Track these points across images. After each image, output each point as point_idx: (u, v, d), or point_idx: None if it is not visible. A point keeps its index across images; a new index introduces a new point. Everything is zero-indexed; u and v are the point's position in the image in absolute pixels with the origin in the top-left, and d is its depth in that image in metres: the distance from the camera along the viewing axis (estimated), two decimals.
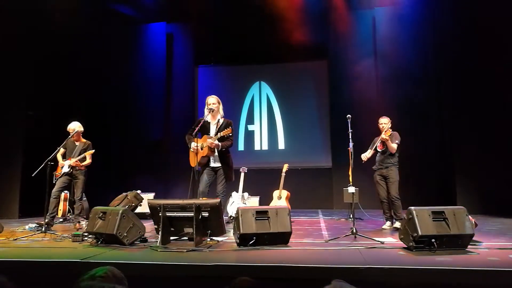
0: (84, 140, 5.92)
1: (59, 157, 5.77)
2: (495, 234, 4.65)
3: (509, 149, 6.77)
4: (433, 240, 3.49)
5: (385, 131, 5.34)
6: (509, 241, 4.17)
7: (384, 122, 5.46)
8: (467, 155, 7.24)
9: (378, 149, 5.44)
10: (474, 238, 3.67)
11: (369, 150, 5.48)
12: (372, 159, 5.54)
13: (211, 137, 5.03)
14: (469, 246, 3.61)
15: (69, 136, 5.68)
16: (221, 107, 5.25)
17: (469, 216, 3.65)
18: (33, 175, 4.96)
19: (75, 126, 5.77)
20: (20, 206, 7.26)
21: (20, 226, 5.76)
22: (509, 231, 4.96)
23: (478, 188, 7.03)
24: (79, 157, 5.66)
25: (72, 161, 5.62)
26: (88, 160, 5.78)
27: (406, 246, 3.68)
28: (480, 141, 7.10)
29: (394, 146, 5.27)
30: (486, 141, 7.04)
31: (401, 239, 3.81)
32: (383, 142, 5.34)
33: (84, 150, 5.78)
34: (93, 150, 5.79)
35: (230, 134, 4.98)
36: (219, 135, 4.96)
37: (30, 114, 7.55)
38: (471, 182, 7.14)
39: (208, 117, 5.19)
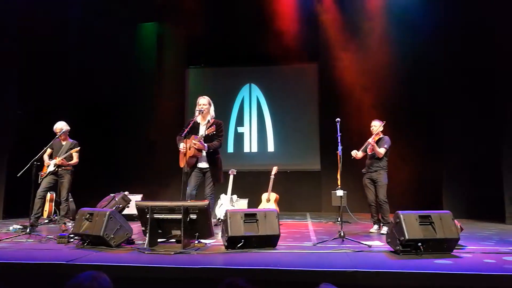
0: (70, 140, 5.84)
1: (45, 157, 5.69)
2: (480, 238, 4.72)
3: (496, 154, 6.88)
4: (419, 244, 3.53)
5: (374, 136, 5.39)
6: (495, 245, 4.24)
7: (375, 125, 5.51)
8: (454, 160, 7.34)
9: (368, 152, 5.49)
10: (459, 242, 3.72)
11: (360, 151, 5.52)
12: (361, 161, 5.58)
13: (196, 138, 5.01)
14: (454, 250, 3.65)
15: (56, 136, 5.60)
16: (212, 108, 5.23)
17: (455, 221, 3.70)
18: (18, 175, 4.88)
19: (62, 126, 5.69)
20: (4, 207, 7.12)
21: (4, 227, 5.66)
22: (495, 235, 5.05)
23: (465, 193, 7.14)
24: (65, 155, 5.58)
25: (58, 160, 5.54)
26: (75, 160, 5.71)
27: (393, 250, 3.71)
28: (467, 146, 7.20)
29: (381, 150, 5.32)
30: (473, 146, 7.15)
31: (388, 242, 3.84)
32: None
33: (71, 149, 5.70)
34: (79, 148, 5.71)
35: (215, 132, 4.96)
36: (205, 133, 4.96)
37: (18, 113, 7.42)
38: (458, 187, 7.24)
39: (198, 118, 5.16)
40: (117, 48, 9.35)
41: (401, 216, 3.62)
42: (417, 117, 8.23)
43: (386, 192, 5.31)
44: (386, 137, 5.46)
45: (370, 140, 5.36)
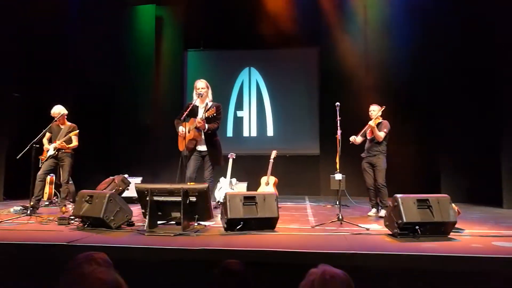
0: (69, 123, 5.82)
1: (45, 141, 5.67)
2: (477, 222, 4.76)
3: (492, 140, 6.89)
4: (417, 227, 3.56)
5: (374, 119, 5.38)
6: (491, 228, 4.29)
7: (374, 109, 5.50)
8: (452, 145, 7.36)
9: (368, 137, 5.49)
10: (456, 226, 3.76)
11: (359, 136, 5.53)
12: (360, 145, 5.59)
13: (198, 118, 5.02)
14: (451, 233, 3.69)
15: (54, 120, 5.57)
16: (210, 91, 5.21)
17: (453, 204, 3.73)
18: (18, 158, 4.89)
19: (59, 110, 5.65)
20: (4, 189, 7.16)
21: (4, 209, 5.69)
22: (491, 219, 5.09)
23: (462, 177, 7.17)
24: (64, 138, 5.58)
25: (57, 143, 5.53)
26: (75, 143, 5.69)
27: (391, 233, 3.75)
28: (464, 131, 7.21)
29: (381, 134, 5.32)
30: (471, 132, 7.15)
31: (386, 225, 3.88)
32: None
33: (70, 133, 5.67)
34: (78, 131, 5.70)
35: (215, 114, 4.96)
36: (204, 115, 4.96)
37: (15, 96, 7.38)
38: (455, 171, 7.28)
39: (197, 101, 5.15)
40: (114, 30, 9.25)
41: (399, 199, 3.65)
42: (417, 103, 8.20)
43: (384, 176, 5.33)
44: (385, 121, 5.46)
45: (370, 122, 5.35)
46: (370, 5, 8.71)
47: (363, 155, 5.56)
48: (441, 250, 3.11)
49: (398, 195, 3.71)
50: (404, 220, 3.53)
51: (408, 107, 8.08)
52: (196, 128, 4.98)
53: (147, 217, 3.92)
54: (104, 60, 8.89)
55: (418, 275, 2.89)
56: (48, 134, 5.68)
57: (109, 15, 9.06)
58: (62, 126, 5.73)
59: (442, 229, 3.65)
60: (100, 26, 8.83)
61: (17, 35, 7.37)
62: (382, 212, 5.17)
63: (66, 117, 5.77)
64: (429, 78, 7.96)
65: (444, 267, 2.88)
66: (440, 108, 7.66)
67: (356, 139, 5.51)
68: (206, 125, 4.97)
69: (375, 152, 5.39)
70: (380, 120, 5.45)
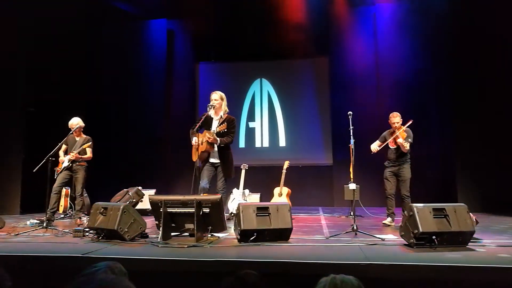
0: (84, 135, 5.93)
1: (61, 153, 5.79)
2: (496, 232, 4.64)
3: (510, 148, 6.76)
4: (433, 237, 3.49)
5: (400, 132, 5.24)
6: (510, 238, 4.17)
7: (397, 121, 5.37)
8: (469, 154, 7.23)
9: (390, 146, 5.41)
10: (474, 236, 3.67)
11: (378, 143, 5.45)
12: (375, 154, 5.48)
13: (210, 132, 5.05)
14: (469, 243, 3.61)
15: (71, 132, 5.69)
16: (224, 103, 5.23)
17: (470, 214, 3.65)
18: (34, 171, 4.97)
19: (77, 122, 5.79)
20: (21, 202, 7.26)
21: (21, 222, 5.77)
22: (510, 228, 4.96)
23: (479, 186, 7.03)
24: (79, 150, 5.67)
25: (71, 155, 5.63)
26: (89, 154, 5.79)
27: (407, 243, 3.68)
28: (481, 139, 7.09)
29: (408, 147, 5.24)
30: (488, 140, 7.03)
31: (402, 236, 3.81)
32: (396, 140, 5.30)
33: (84, 144, 5.77)
34: (92, 143, 5.80)
35: (225, 130, 4.98)
36: (216, 130, 4.98)
37: (30, 110, 7.54)
38: (472, 180, 7.14)
39: (211, 112, 5.19)
40: (127, 44, 9.41)
41: (415, 209, 3.59)
42: (431, 110, 8.12)
43: (409, 186, 5.27)
44: (409, 130, 5.34)
45: (400, 140, 5.19)
46: (379, 13, 8.72)
47: (386, 164, 5.49)
48: (461, 260, 3.04)
49: (414, 204, 3.65)
50: (420, 230, 3.46)
51: (421, 115, 7.99)
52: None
53: (161, 228, 3.93)
54: (116, 73, 9.04)
55: (436, 286, 2.82)
56: (64, 146, 5.81)
57: (121, 29, 9.23)
58: (77, 138, 5.85)
59: (460, 239, 3.57)
60: (112, 41, 9.01)
61: (30, 53, 7.53)
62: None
63: (82, 129, 5.89)
64: (441, 84, 7.88)
65: (461, 277, 2.81)
66: (454, 116, 7.55)
67: (377, 147, 5.39)
68: (218, 139, 4.99)
69: (400, 161, 5.34)
70: (404, 131, 5.33)
